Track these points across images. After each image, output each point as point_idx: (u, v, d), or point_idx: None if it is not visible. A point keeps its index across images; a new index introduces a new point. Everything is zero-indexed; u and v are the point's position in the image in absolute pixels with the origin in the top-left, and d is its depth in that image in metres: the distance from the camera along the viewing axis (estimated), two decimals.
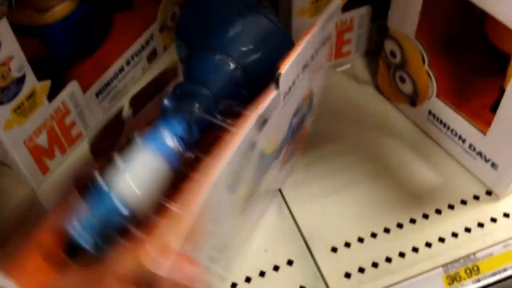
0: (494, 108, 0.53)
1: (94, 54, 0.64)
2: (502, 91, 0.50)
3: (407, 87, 0.62)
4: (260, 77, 0.39)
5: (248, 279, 0.53)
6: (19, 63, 0.51)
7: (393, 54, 0.62)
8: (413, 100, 0.62)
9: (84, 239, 0.35)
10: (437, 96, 0.59)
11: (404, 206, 0.58)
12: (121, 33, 0.67)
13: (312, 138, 0.60)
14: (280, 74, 0.37)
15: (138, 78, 0.68)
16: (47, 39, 0.58)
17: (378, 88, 0.68)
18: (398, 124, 0.65)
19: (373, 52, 0.70)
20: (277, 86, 0.38)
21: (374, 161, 0.62)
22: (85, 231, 0.35)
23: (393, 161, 0.62)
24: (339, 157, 0.62)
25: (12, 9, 0.48)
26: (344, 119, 0.66)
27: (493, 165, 0.56)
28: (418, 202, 0.58)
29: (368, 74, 0.70)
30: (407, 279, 0.52)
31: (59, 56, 0.60)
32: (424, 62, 0.57)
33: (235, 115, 0.37)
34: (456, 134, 0.58)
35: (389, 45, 0.62)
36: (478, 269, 0.53)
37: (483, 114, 0.57)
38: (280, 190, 0.59)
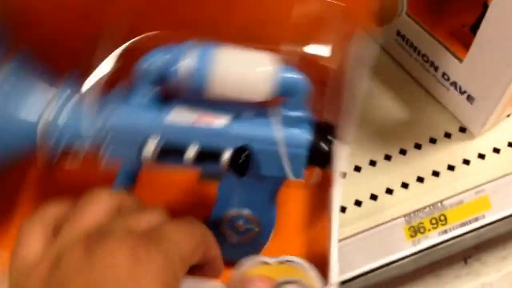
0: (474, 28, 0.47)
1: None
2: (485, 7, 0.44)
3: None
4: None
5: None
6: None
7: None
8: (379, 18, 0.55)
9: None
10: (407, 13, 0.52)
11: (365, 145, 0.53)
12: None
13: None
14: None
15: None
16: None
17: None
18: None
19: None
20: None
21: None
22: None
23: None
24: None
25: None
26: None
27: (469, 97, 0.50)
28: (380, 141, 0.53)
29: None
30: (363, 231, 0.47)
31: None
32: None
33: None
34: (427, 60, 0.53)
35: None
36: (445, 218, 0.48)
37: (461, 36, 0.51)
38: None
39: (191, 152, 0.32)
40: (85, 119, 0.31)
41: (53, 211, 0.30)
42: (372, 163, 0.51)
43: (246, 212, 0.35)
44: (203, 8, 0.33)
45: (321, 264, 0.38)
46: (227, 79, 0.31)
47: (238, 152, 0.32)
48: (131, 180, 0.35)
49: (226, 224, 0.36)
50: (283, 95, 0.32)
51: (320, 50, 0.33)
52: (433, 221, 0.48)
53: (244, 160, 0.32)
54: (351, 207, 0.49)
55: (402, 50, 0.55)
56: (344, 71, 0.34)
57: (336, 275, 0.39)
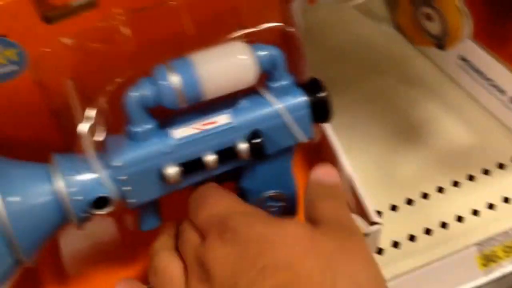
0: None
1: None
2: None
3: (434, 27, 0.55)
4: None
5: None
6: None
7: None
8: (441, 42, 0.55)
9: None
10: (471, 37, 0.51)
11: (430, 171, 0.51)
12: None
13: None
14: None
15: None
16: None
17: (398, 28, 0.60)
18: (422, 71, 0.58)
19: None
20: None
21: (395, 114, 0.54)
22: None
23: (417, 115, 0.55)
24: (353, 110, 0.54)
25: None
26: (359, 64, 0.58)
27: None
28: (447, 166, 0.51)
29: (386, 10, 0.62)
30: (433, 261, 0.45)
31: None
32: None
33: None
34: (493, 84, 0.52)
35: None
36: None
37: None
38: None
39: (210, 158, 0.33)
40: (99, 176, 0.32)
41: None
42: (440, 189, 0.50)
43: (272, 192, 0.36)
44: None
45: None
46: (216, 79, 0.32)
47: (251, 139, 0.33)
48: (158, 218, 0.35)
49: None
50: (266, 71, 0.33)
51: (269, 20, 0.35)
52: (507, 249, 0.46)
53: (259, 143, 0.33)
54: (421, 236, 0.47)
55: (464, 74, 0.55)
56: (296, 29, 0.36)
57: (374, 214, 0.40)
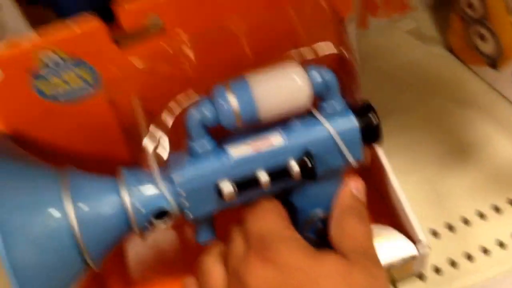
0: None
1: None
2: None
3: (487, 46, 0.55)
4: None
5: None
6: None
7: (470, 6, 0.55)
8: (495, 61, 0.55)
9: None
10: None
11: (487, 191, 0.51)
12: None
13: (377, 110, 0.55)
14: None
15: None
16: (61, 9, 0.53)
17: (450, 48, 0.60)
18: (475, 91, 0.57)
19: (442, 4, 0.63)
20: None
21: (449, 136, 0.54)
22: None
23: (471, 137, 0.54)
24: (407, 132, 0.54)
25: None
26: (410, 86, 0.58)
27: None
28: (505, 187, 0.50)
29: (436, 31, 0.62)
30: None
31: None
32: (510, 14, 0.50)
33: None
34: None
35: None
36: None
37: None
38: None
39: (264, 176, 0.34)
40: (161, 189, 0.34)
41: None
42: (496, 209, 0.49)
43: (321, 212, 0.37)
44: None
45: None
46: (272, 101, 0.33)
47: (303, 159, 0.34)
48: (213, 232, 0.37)
49: (308, 231, 0.37)
50: (320, 93, 0.34)
51: (326, 44, 0.36)
52: None
53: (310, 164, 0.34)
54: (478, 255, 0.47)
55: None
56: (350, 54, 0.37)
57: (421, 232, 0.41)
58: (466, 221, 0.49)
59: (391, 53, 0.60)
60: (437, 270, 0.47)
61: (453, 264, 0.47)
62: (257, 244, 0.32)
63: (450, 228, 0.49)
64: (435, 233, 0.48)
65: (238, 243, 0.34)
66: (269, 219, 0.34)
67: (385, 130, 0.53)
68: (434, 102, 0.57)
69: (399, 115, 0.56)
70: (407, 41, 0.62)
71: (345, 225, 0.34)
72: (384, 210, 0.45)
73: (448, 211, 0.50)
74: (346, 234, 0.34)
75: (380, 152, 0.43)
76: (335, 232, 0.34)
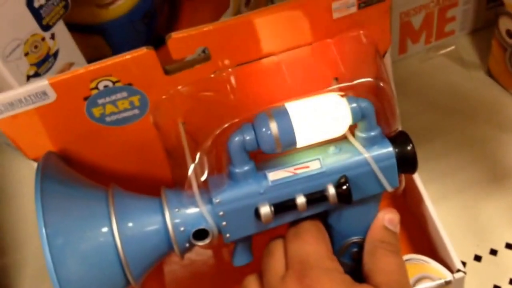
0: None
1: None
2: None
3: None
4: None
5: None
6: None
7: (510, 33, 0.54)
8: None
9: None
10: None
11: None
12: (188, 24, 0.61)
13: (414, 135, 0.54)
14: None
15: None
16: (110, 36, 0.55)
17: (490, 73, 0.60)
18: None
19: (481, 31, 0.63)
20: None
21: (490, 161, 0.54)
22: None
23: (511, 162, 0.53)
24: (447, 158, 0.54)
25: (70, 8, 0.46)
26: (450, 111, 0.58)
27: None
28: None
29: (476, 56, 0.62)
30: None
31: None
32: None
33: None
34: None
35: (505, 23, 0.54)
36: None
37: None
38: None
39: (300, 199, 0.34)
40: (201, 210, 0.35)
41: None
42: None
43: (356, 238, 0.37)
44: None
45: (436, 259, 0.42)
46: (310, 129, 0.34)
47: (340, 184, 0.35)
48: (250, 255, 0.38)
49: (343, 256, 0.38)
50: (357, 121, 0.35)
51: (362, 75, 0.36)
52: None
53: (346, 189, 0.34)
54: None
55: None
56: (387, 84, 0.37)
57: (458, 261, 0.40)
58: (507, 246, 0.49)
59: (431, 77, 0.61)
60: None
61: None
62: (299, 267, 0.33)
63: (493, 252, 0.49)
64: (477, 258, 0.48)
65: (277, 261, 0.34)
66: (313, 244, 0.34)
67: (424, 154, 0.53)
68: (474, 126, 0.56)
69: (438, 139, 0.56)
70: (447, 65, 0.61)
71: (377, 259, 0.35)
72: (421, 237, 0.46)
73: (487, 237, 0.50)
74: (379, 269, 0.34)
75: (417, 179, 0.44)
76: (368, 266, 0.35)
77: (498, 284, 0.46)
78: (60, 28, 0.46)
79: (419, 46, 0.62)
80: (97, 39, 0.55)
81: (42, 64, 0.46)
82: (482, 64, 0.61)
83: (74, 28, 0.48)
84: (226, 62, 0.36)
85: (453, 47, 0.63)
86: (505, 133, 0.56)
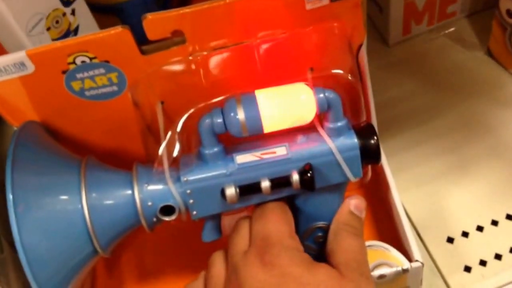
0: None
1: None
2: None
3: None
4: None
5: None
6: None
7: (510, 13, 0.54)
8: None
9: None
10: None
11: None
12: None
13: (416, 113, 0.56)
14: None
15: None
16: (125, 16, 0.55)
17: (490, 54, 0.60)
18: None
19: (481, 12, 0.63)
20: None
21: (489, 138, 0.55)
22: None
23: (511, 138, 0.54)
24: (447, 135, 0.55)
25: None
26: (451, 90, 0.59)
27: None
28: None
29: (477, 37, 0.62)
30: None
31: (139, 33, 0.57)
32: None
33: None
34: None
35: (505, 3, 0.54)
36: None
37: None
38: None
39: (265, 183, 0.36)
40: (169, 187, 0.36)
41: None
42: None
43: (321, 223, 0.38)
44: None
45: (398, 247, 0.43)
46: (277, 116, 0.35)
47: (304, 171, 0.36)
48: (218, 232, 0.39)
49: (307, 239, 0.39)
50: (324, 111, 0.35)
51: (334, 68, 0.37)
52: None
53: (310, 176, 0.35)
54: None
55: None
56: (356, 78, 0.37)
57: (417, 251, 0.42)
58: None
59: (433, 57, 0.61)
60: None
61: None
62: (260, 244, 0.34)
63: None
64: (450, 240, 0.49)
65: (242, 238, 0.35)
66: (276, 223, 0.35)
67: (426, 132, 0.55)
68: (474, 104, 0.57)
69: (439, 117, 0.57)
70: (448, 46, 0.61)
71: (340, 239, 0.36)
72: (386, 225, 0.47)
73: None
74: (340, 248, 0.35)
75: (386, 167, 0.44)
76: (331, 246, 0.36)
77: (469, 265, 0.48)
78: (80, 4, 0.47)
79: (422, 27, 0.61)
80: (113, 19, 0.55)
81: (63, 39, 0.47)
82: (482, 45, 0.61)
83: (91, 8, 0.49)
84: (201, 46, 0.36)
85: (454, 28, 0.63)
86: (505, 110, 0.56)
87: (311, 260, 0.34)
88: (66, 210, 0.35)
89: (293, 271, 0.32)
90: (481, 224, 0.49)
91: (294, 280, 0.32)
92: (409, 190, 0.52)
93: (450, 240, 0.49)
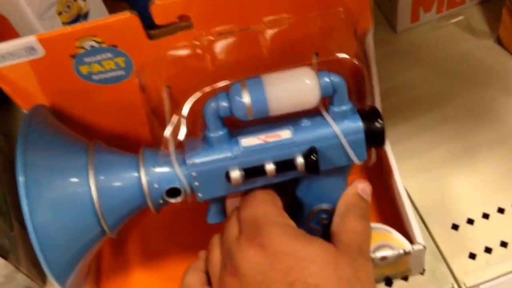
0: None
1: None
2: None
3: None
4: None
5: None
6: None
7: None
8: None
9: None
10: None
11: None
12: None
13: (424, 100, 0.56)
14: None
15: None
16: (133, 1, 0.54)
17: (500, 42, 0.59)
18: None
19: (491, 1, 0.62)
20: None
21: (496, 126, 0.55)
22: None
23: None
24: (453, 122, 0.55)
25: None
26: (460, 78, 0.58)
27: None
28: None
29: (486, 25, 0.61)
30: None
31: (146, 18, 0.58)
32: None
33: None
34: None
35: None
36: None
37: None
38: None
39: (270, 166, 0.36)
40: (175, 170, 0.37)
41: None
42: None
43: (325, 205, 0.39)
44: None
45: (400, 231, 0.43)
46: (281, 100, 0.35)
47: (308, 154, 0.36)
48: (223, 215, 0.40)
49: (312, 221, 0.40)
50: (329, 96, 0.36)
51: (340, 53, 0.37)
52: None
53: (315, 159, 0.36)
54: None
55: None
56: (363, 62, 0.37)
57: (419, 234, 0.42)
58: None
59: (442, 45, 0.60)
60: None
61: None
62: (249, 229, 0.34)
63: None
64: (455, 227, 0.49)
65: (232, 227, 0.36)
66: (262, 206, 0.36)
67: (434, 118, 0.55)
68: (482, 92, 0.57)
69: (447, 104, 0.56)
70: (457, 34, 0.61)
71: (347, 221, 0.36)
72: (390, 209, 0.47)
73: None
74: (345, 229, 0.36)
75: (389, 151, 0.45)
76: (336, 226, 0.37)
77: (474, 252, 0.47)
78: None
79: (431, 15, 0.61)
80: (122, 4, 0.55)
81: (74, 24, 0.47)
82: (491, 33, 0.60)
83: None
84: (207, 31, 0.37)
85: (463, 17, 0.62)
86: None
87: (304, 234, 0.34)
88: (75, 192, 0.35)
89: (285, 247, 0.33)
90: (487, 212, 0.49)
91: (287, 256, 0.32)
92: (414, 177, 0.52)
93: (455, 227, 0.49)
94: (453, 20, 0.62)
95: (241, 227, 0.35)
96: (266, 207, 0.36)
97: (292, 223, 0.35)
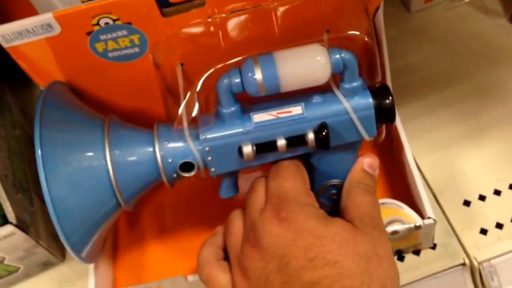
0: None
1: None
2: None
3: None
4: None
5: None
6: None
7: None
8: None
9: None
10: None
11: None
12: None
13: (434, 79, 0.56)
14: None
15: None
16: None
17: None
18: None
19: None
20: None
21: (509, 104, 0.55)
22: None
23: None
24: (468, 100, 0.55)
25: None
26: (472, 57, 0.58)
27: None
28: None
29: (500, 4, 0.61)
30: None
31: None
32: None
33: None
34: None
35: None
36: None
37: None
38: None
39: (281, 141, 0.37)
40: (188, 145, 0.38)
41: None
42: None
43: (335, 181, 0.40)
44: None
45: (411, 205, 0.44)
46: (292, 76, 0.36)
47: (319, 130, 0.37)
48: (235, 189, 0.41)
49: (322, 197, 0.40)
50: (339, 72, 0.36)
51: (350, 29, 0.37)
52: None
53: (325, 135, 0.36)
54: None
55: None
56: (373, 39, 0.38)
57: (429, 209, 0.43)
58: None
59: (455, 25, 0.60)
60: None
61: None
62: (276, 201, 0.35)
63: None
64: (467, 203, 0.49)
65: (258, 197, 0.37)
66: (291, 180, 0.36)
67: (447, 97, 0.55)
68: (495, 71, 0.57)
69: (460, 83, 0.56)
70: (471, 13, 0.61)
71: (353, 196, 0.37)
72: (400, 184, 0.47)
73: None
74: (353, 204, 0.36)
75: (400, 128, 0.45)
76: (344, 202, 0.37)
77: (485, 227, 0.48)
78: None
79: None
80: None
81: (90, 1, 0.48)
82: (504, 12, 0.60)
83: None
84: (220, 8, 0.37)
85: None
86: None
87: (325, 215, 0.35)
88: (91, 166, 0.36)
89: (308, 225, 0.33)
90: (498, 188, 0.49)
91: (309, 234, 0.33)
92: (426, 154, 0.52)
93: (467, 203, 0.49)
94: (466, 0, 0.62)
95: (268, 198, 0.36)
96: (296, 182, 0.36)
97: (316, 203, 0.36)
